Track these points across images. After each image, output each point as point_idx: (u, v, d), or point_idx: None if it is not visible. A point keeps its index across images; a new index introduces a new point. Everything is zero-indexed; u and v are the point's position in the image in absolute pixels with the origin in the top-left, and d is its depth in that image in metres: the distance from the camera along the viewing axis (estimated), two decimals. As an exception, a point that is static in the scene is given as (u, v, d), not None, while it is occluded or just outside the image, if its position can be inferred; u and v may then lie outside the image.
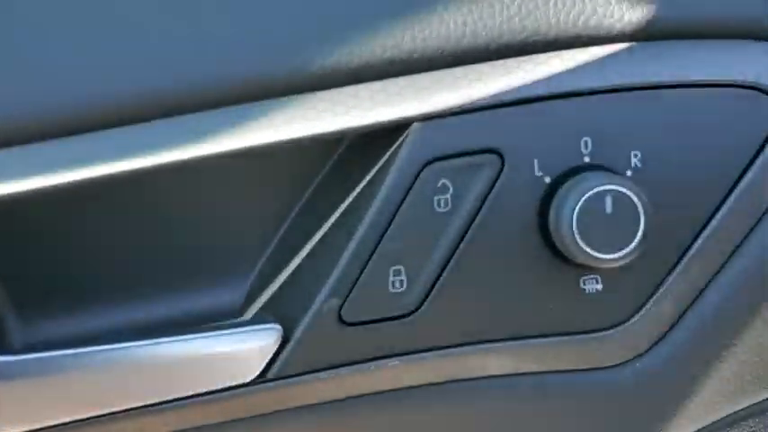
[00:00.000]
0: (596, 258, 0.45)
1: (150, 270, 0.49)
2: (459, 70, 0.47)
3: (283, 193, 0.50)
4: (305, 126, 0.45)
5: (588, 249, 0.45)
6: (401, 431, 0.50)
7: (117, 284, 0.49)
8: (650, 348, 0.50)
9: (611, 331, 0.50)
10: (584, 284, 0.49)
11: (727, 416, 0.54)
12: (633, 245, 0.46)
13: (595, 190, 0.45)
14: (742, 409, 0.55)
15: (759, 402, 0.55)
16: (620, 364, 0.50)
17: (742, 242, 0.49)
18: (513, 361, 0.49)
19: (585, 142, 0.47)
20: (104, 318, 0.49)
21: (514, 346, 0.49)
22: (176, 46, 0.44)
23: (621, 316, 0.50)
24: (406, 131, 0.46)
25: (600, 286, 0.49)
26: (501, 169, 0.47)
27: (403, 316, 0.48)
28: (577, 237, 0.45)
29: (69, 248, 0.48)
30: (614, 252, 0.46)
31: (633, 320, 0.50)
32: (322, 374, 0.47)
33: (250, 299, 0.49)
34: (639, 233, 0.46)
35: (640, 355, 0.51)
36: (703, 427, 0.54)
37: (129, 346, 0.45)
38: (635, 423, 0.51)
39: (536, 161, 0.47)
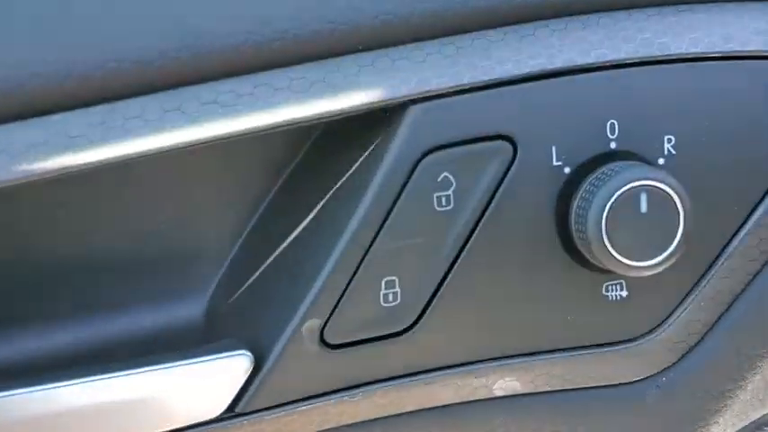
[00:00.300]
0: (628, 266, 0.38)
1: (92, 282, 0.42)
2: (463, 39, 0.39)
3: (248, 189, 0.42)
4: (271, 111, 0.36)
5: (619, 256, 0.38)
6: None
7: (55, 299, 0.41)
8: (679, 360, 0.44)
9: (637, 343, 0.43)
10: (608, 291, 0.42)
11: (753, 422, 0.48)
12: (671, 249, 0.39)
13: (629, 186, 0.38)
14: (767, 413, 0.49)
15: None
16: (647, 378, 0.43)
17: None
18: (525, 380, 0.42)
19: (612, 125, 0.40)
20: (43, 339, 0.41)
21: (527, 363, 0.42)
22: (117, 20, 0.35)
23: (648, 326, 0.43)
24: (401, 115, 0.38)
25: (625, 293, 0.42)
26: (513, 159, 0.39)
27: (397, 334, 0.40)
28: (606, 241, 0.38)
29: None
30: (649, 258, 0.39)
31: (661, 331, 0.43)
32: (301, 406, 0.40)
33: (211, 316, 0.41)
34: (678, 235, 0.39)
35: (668, 368, 0.44)
36: None
37: (72, 384, 0.37)
38: None
39: (554, 148, 0.39)
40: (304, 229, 0.41)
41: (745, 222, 0.42)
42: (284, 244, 0.41)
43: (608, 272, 0.41)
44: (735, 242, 0.42)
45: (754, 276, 0.43)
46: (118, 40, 0.35)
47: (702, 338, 0.44)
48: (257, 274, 0.42)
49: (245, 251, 0.43)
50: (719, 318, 0.44)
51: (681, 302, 0.43)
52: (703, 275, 0.43)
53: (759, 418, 0.50)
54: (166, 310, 0.43)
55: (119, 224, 0.42)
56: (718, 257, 0.43)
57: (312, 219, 0.41)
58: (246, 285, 0.42)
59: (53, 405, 0.37)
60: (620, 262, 0.38)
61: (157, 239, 0.42)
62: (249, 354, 0.38)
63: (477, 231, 0.40)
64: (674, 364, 0.44)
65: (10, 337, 0.41)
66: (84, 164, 0.35)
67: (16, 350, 0.41)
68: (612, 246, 0.38)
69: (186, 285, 0.42)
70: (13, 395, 0.36)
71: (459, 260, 0.40)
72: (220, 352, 0.38)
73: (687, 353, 0.44)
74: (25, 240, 0.41)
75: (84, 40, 0.34)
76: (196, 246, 0.42)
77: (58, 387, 0.37)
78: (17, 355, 0.41)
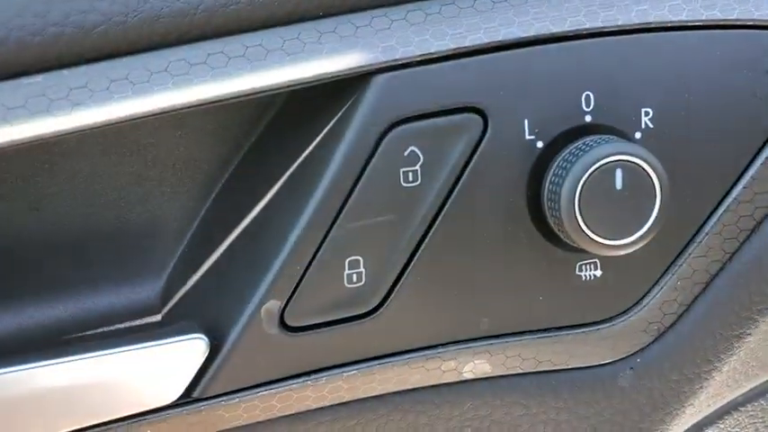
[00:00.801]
0: (602, 245, 0.37)
1: (42, 262, 0.40)
2: (431, 5, 0.37)
3: (205, 165, 0.40)
4: (225, 81, 0.34)
5: (593, 234, 0.36)
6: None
7: (2, 279, 0.39)
8: (654, 342, 0.42)
9: (611, 324, 0.42)
10: (581, 271, 0.40)
11: (728, 402, 0.47)
12: (646, 227, 0.37)
13: (604, 161, 0.36)
14: (741, 394, 0.48)
15: (760, 384, 0.48)
16: (621, 359, 0.42)
17: (765, 217, 0.41)
18: (495, 363, 0.41)
19: (587, 98, 0.38)
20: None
21: (497, 345, 0.41)
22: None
23: (622, 306, 0.42)
24: (364, 86, 0.36)
25: (598, 272, 0.40)
26: (483, 133, 0.37)
27: (361, 316, 0.38)
28: (579, 219, 0.36)
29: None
30: (624, 237, 0.37)
31: (636, 311, 0.42)
32: (261, 391, 0.38)
33: (167, 298, 0.39)
34: (654, 213, 0.37)
35: (642, 350, 0.43)
36: (705, 417, 0.47)
37: (20, 370, 0.35)
38: (636, 419, 0.43)
39: (526, 122, 0.38)
40: (264, 206, 0.39)
41: (723, 199, 0.41)
42: (243, 222, 0.39)
43: (581, 251, 0.39)
44: (713, 220, 0.41)
45: (732, 255, 0.42)
46: (58, 2, 0.32)
47: (678, 319, 0.42)
48: (215, 254, 0.40)
49: (202, 230, 0.41)
50: (696, 298, 0.42)
51: (656, 282, 0.41)
52: (680, 255, 0.41)
53: (734, 399, 0.49)
54: (121, 292, 0.41)
55: (69, 201, 0.39)
56: (695, 236, 0.41)
57: (272, 196, 0.39)
58: (204, 266, 0.40)
59: (7, 391, 0.35)
60: (594, 241, 0.37)
61: (110, 218, 0.40)
62: (205, 337, 0.36)
63: (445, 209, 0.38)
64: (648, 345, 0.43)
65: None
66: (24, 138, 0.32)
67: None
68: (586, 224, 0.36)
69: (141, 266, 0.40)
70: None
71: (426, 239, 0.38)
72: (175, 335, 0.36)
73: (662, 334, 0.43)
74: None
75: (20, 2, 0.32)
76: (151, 224, 0.40)
77: (4, 372, 0.35)
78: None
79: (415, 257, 0.38)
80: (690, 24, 0.38)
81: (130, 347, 0.36)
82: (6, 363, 0.35)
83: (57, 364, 0.35)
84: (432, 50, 0.36)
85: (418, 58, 0.36)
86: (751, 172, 0.40)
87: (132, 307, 0.40)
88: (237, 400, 0.38)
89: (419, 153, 0.37)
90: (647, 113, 0.39)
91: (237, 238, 0.39)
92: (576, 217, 0.37)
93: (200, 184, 0.40)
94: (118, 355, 0.36)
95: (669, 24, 0.38)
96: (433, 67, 0.37)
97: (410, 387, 0.41)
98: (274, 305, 0.37)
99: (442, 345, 0.40)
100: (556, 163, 0.37)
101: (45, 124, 0.33)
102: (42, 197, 0.39)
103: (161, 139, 0.39)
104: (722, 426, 0.49)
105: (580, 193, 0.36)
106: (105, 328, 0.39)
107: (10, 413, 0.35)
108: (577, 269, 0.40)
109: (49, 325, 0.40)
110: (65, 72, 0.33)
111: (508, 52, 0.37)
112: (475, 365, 0.41)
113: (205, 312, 0.38)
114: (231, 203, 0.40)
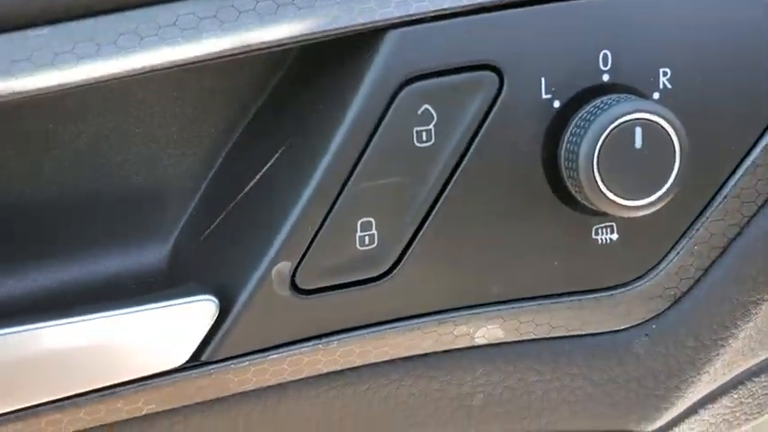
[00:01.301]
0: (621, 206, 0.36)
1: (47, 223, 0.39)
2: (445, -41, 0.35)
3: (214, 123, 0.39)
4: (235, 35, 0.33)
5: (611, 195, 0.35)
6: (371, 414, 0.40)
7: (7, 242, 0.38)
8: (670, 308, 0.42)
9: (627, 289, 0.41)
10: (597, 234, 0.39)
11: (743, 371, 0.47)
12: (665, 188, 0.36)
13: (623, 119, 0.35)
14: (756, 363, 0.47)
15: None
16: (636, 326, 0.41)
17: None
18: (508, 328, 0.40)
19: (604, 56, 0.37)
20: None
21: (510, 310, 0.40)
22: None
23: (638, 271, 0.41)
24: (377, 42, 0.35)
25: (615, 236, 0.39)
26: (499, 91, 0.37)
27: (373, 279, 0.38)
28: (598, 179, 0.36)
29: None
30: (642, 198, 0.36)
31: (652, 276, 0.41)
32: (271, 355, 0.37)
33: (174, 262, 0.39)
34: (674, 174, 0.36)
35: (658, 316, 0.42)
36: (719, 386, 0.46)
37: (24, 331, 0.34)
38: (651, 386, 0.42)
39: (543, 80, 0.37)
40: (274, 166, 0.38)
41: (741, 162, 0.40)
42: (253, 182, 0.38)
43: (598, 214, 0.38)
44: (731, 182, 0.40)
45: (750, 219, 0.41)
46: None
47: (695, 285, 0.42)
48: (224, 214, 0.39)
49: (211, 192, 0.40)
50: (713, 263, 0.41)
51: (673, 247, 0.41)
52: (697, 218, 0.40)
53: (749, 369, 0.48)
54: (127, 254, 0.40)
55: (75, 160, 0.39)
56: (713, 199, 0.40)
57: (282, 155, 0.38)
58: (213, 227, 0.39)
59: (3, 352, 0.34)
60: (613, 201, 0.36)
61: (116, 180, 0.39)
62: (214, 299, 0.36)
63: (459, 169, 0.37)
64: (664, 311, 0.42)
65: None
66: (26, 91, 0.32)
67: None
68: (605, 184, 0.36)
69: (148, 227, 0.40)
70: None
71: (439, 200, 0.37)
72: (184, 296, 0.35)
73: (678, 300, 0.42)
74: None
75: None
76: (158, 187, 0.39)
77: (9, 333, 0.34)
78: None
79: (428, 220, 0.38)
80: None
81: (137, 308, 0.35)
82: (8, 324, 0.34)
83: (60, 325, 0.35)
84: (446, 6, 0.35)
85: (433, 14, 0.35)
86: None
87: (139, 271, 0.40)
88: (247, 363, 0.37)
89: (433, 112, 0.36)
90: (665, 73, 0.38)
91: (247, 199, 0.38)
92: (594, 177, 0.36)
93: (209, 144, 0.39)
94: (124, 317, 0.35)
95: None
96: (448, 22, 0.36)
97: (422, 352, 0.40)
98: (285, 266, 0.36)
99: (455, 309, 0.40)
100: (573, 122, 0.37)
101: (49, 77, 0.32)
102: (46, 159, 0.38)
103: (168, 99, 0.38)
104: (736, 396, 0.48)
105: (599, 153, 0.35)
106: (112, 292, 0.39)
107: (12, 375, 0.35)
108: (593, 233, 0.39)
109: (54, 289, 0.39)
110: (72, 24, 0.32)
111: (525, 9, 0.36)
112: (487, 330, 0.40)
113: (214, 275, 0.38)
114: (240, 164, 0.39)
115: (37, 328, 0.34)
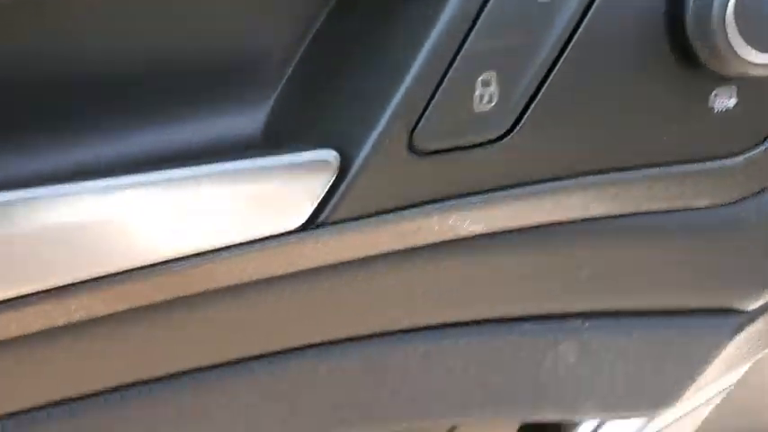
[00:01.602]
0: (754, 64, 0.34)
1: (136, 87, 0.37)
2: None
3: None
4: None
5: (748, 48, 0.34)
6: (483, 282, 0.40)
7: (96, 105, 0.37)
8: (783, 179, 0.41)
9: (738, 159, 0.40)
10: (715, 98, 0.38)
11: None
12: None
13: (763, -34, 0.34)
14: None
15: None
16: (750, 196, 0.40)
17: None
18: (625, 198, 0.39)
19: None
20: (84, 150, 0.37)
21: (621, 178, 0.39)
22: None
23: (753, 140, 0.39)
24: None
25: (733, 101, 0.38)
26: (625, -59, 0.35)
27: (491, 142, 0.36)
28: (731, 32, 0.34)
29: (41, 57, 0.35)
30: None
31: (766, 145, 0.40)
32: (389, 217, 0.36)
33: (275, 126, 0.37)
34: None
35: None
36: None
37: (126, 184, 0.32)
38: (758, 263, 0.42)
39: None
40: (387, 18, 0.36)
41: None
42: (363, 40, 0.37)
43: (718, 77, 0.37)
44: None
45: None
46: None
47: (808, 155, 0.41)
48: (330, 75, 0.37)
49: (314, 49, 0.38)
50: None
51: (791, 113, 0.40)
52: (816, 84, 0.39)
53: None
54: (224, 123, 0.38)
55: (166, 27, 0.37)
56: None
57: (394, 5, 0.36)
58: (318, 89, 0.38)
59: (115, 206, 0.33)
60: (745, 59, 0.35)
61: (215, 37, 0.37)
62: (336, 154, 0.34)
63: (580, 28, 0.36)
64: (777, 183, 0.41)
65: (61, 148, 0.37)
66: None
67: (65, 161, 0.37)
68: (742, 35, 0.34)
69: (243, 94, 0.38)
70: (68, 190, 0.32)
71: (561, 58, 0.36)
72: (301, 150, 0.34)
73: (792, 170, 0.41)
74: (72, 42, 0.36)
75: None
76: (255, 47, 0.38)
77: (119, 187, 0.33)
78: (66, 166, 0.37)
79: (548, 80, 0.36)
80: None
81: (255, 163, 0.34)
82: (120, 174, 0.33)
83: (171, 180, 0.33)
84: None
85: None
86: None
87: (234, 138, 0.38)
88: (364, 226, 0.36)
89: (558, -39, 0.35)
90: None
91: (357, 58, 0.37)
92: (726, 31, 0.34)
93: (308, 4, 0.37)
94: (241, 173, 0.34)
95: None
96: None
97: (533, 224, 0.39)
98: (402, 127, 0.35)
99: (569, 177, 0.39)
100: (703, -28, 0.35)
101: None
102: (137, 26, 0.37)
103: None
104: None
105: (735, 6, 0.34)
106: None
107: (117, 233, 0.33)
108: (712, 96, 0.38)
109: (146, 161, 0.37)
110: None
111: None
112: (599, 202, 0.39)
113: (327, 136, 0.36)
114: (348, 21, 0.37)
115: (138, 183, 0.33)
